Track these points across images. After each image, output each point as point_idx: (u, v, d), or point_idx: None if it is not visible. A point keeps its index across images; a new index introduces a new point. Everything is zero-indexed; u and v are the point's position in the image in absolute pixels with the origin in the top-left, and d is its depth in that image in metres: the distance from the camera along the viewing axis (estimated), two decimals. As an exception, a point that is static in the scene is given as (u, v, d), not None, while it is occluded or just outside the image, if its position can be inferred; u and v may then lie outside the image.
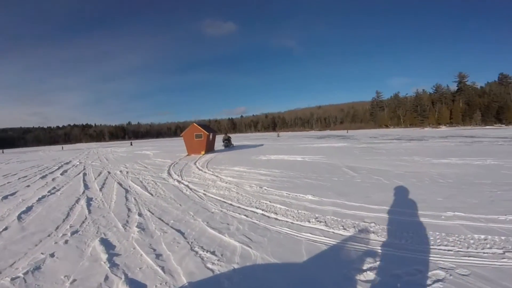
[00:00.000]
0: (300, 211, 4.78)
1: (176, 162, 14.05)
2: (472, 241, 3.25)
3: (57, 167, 14.35)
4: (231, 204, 5.50)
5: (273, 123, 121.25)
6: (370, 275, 2.68)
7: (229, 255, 3.25)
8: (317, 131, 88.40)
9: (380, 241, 3.39)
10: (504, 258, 2.84)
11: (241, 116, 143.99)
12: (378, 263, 2.88)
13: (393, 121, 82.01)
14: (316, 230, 3.85)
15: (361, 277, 2.67)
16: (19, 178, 10.54)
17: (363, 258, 3.01)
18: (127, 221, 4.67)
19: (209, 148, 20.38)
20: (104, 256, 3.32)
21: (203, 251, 3.36)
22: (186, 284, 2.69)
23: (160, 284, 2.71)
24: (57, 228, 4.44)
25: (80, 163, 16.39)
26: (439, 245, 3.19)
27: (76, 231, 4.25)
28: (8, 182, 9.56)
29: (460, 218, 3.98)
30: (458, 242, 3.24)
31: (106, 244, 3.72)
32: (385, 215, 4.25)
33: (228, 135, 26.58)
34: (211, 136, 20.63)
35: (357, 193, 5.69)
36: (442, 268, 2.74)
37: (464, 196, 5.11)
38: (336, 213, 4.52)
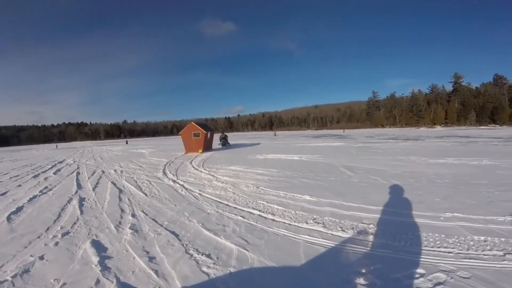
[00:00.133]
0: (297, 212, 4.70)
1: (171, 161, 13.90)
2: (472, 243, 3.21)
3: (50, 166, 14.10)
4: (227, 205, 5.41)
5: (270, 122, 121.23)
6: (370, 279, 2.62)
7: (225, 258, 3.16)
8: (314, 130, 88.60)
9: (379, 243, 3.33)
10: (505, 260, 2.80)
11: (238, 115, 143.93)
12: (377, 266, 2.82)
13: (389, 121, 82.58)
14: (314, 232, 3.78)
15: (360, 280, 2.60)
16: (10, 178, 10.31)
17: (362, 260, 2.94)
18: (120, 222, 4.55)
19: (207, 146, 20.55)
20: (95, 259, 3.21)
21: (198, 254, 3.26)
22: (180, 288, 2.59)
23: (153, 288, 2.61)
24: (47, 229, 4.31)
25: (74, 162, 16.14)
26: (439, 247, 3.14)
27: (67, 233, 4.12)
28: (-1, 182, 9.33)
29: (459, 219, 3.95)
30: (458, 244, 3.20)
31: (98, 246, 3.60)
32: (384, 216, 4.20)
33: (225, 133, 26.81)
34: (208, 135, 20.83)
35: (355, 194, 5.64)
36: (442, 270, 2.69)
37: (461, 196, 5.09)
38: (334, 214, 4.46)
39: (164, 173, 9.89)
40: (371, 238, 3.47)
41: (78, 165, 14.06)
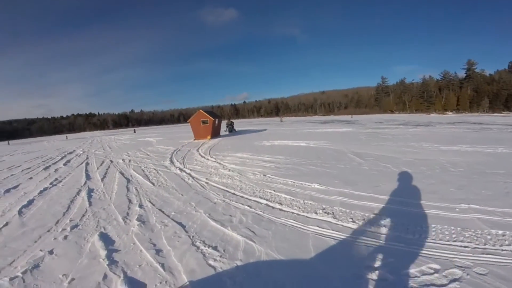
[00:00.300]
0: (306, 201, 4.60)
1: (179, 149, 13.93)
2: (489, 237, 3.06)
3: (60, 157, 14.34)
4: (234, 194, 5.35)
5: (276, 109, 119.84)
6: (382, 274, 2.52)
7: (231, 250, 3.11)
8: (321, 116, 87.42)
9: (391, 235, 3.21)
10: (525, 256, 2.65)
11: (244, 102, 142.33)
12: (390, 260, 2.71)
13: (399, 106, 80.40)
14: (323, 223, 3.69)
15: (372, 275, 2.51)
16: (22, 170, 10.51)
17: (374, 254, 2.84)
18: (128, 214, 4.56)
19: (215, 133, 21.09)
20: (103, 253, 3.21)
21: (205, 246, 3.22)
22: (187, 283, 2.56)
23: (160, 283, 2.59)
24: (57, 222, 4.35)
25: (83, 152, 16.37)
26: (455, 241, 3.01)
27: (76, 226, 4.15)
28: (11, 175, 9.52)
29: (475, 211, 3.77)
30: (475, 238, 3.05)
31: (106, 239, 3.60)
32: (396, 207, 4.05)
33: (231, 120, 27.03)
34: (216, 122, 21.35)
35: (365, 182, 5.49)
36: (458, 266, 2.57)
37: (477, 187, 4.87)
38: (344, 204, 4.34)
39: (171, 161, 9.90)
40: (383, 230, 3.35)
41: (87, 155, 14.26)
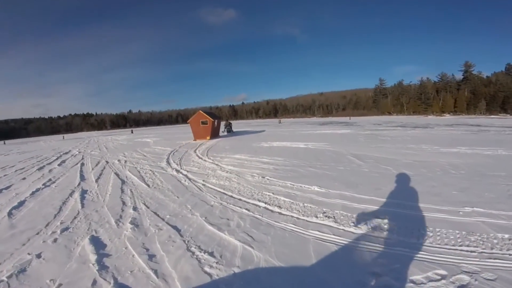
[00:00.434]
0: (306, 204, 4.47)
1: (176, 149, 13.75)
2: (495, 241, 2.95)
3: (55, 158, 14.11)
4: (231, 196, 5.21)
5: (275, 110, 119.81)
6: (386, 280, 2.40)
7: (229, 256, 2.97)
8: (319, 117, 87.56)
9: (395, 240, 3.08)
10: (535, 261, 2.55)
11: (242, 103, 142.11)
12: (395, 266, 2.59)
13: (396, 108, 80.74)
14: (324, 227, 3.56)
15: (376, 282, 2.39)
16: (16, 170, 10.28)
17: (378, 260, 2.71)
18: (121, 216, 4.40)
19: (214, 133, 21.17)
20: (93, 257, 3.06)
21: (201, 252, 3.08)
22: (181, 291, 2.42)
23: (152, 291, 2.44)
24: (47, 225, 4.18)
25: (79, 152, 16.14)
26: (461, 245, 2.89)
27: (67, 228, 3.99)
28: (4, 175, 9.31)
29: (480, 214, 3.67)
30: (481, 242, 2.94)
31: (97, 243, 3.45)
32: (399, 210, 3.93)
33: (229, 121, 27.17)
34: (215, 123, 21.47)
35: (366, 184, 5.37)
36: (466, 272, 2.46)
37: (479, 189, 4.77)
38: (345, 207, 4.21)
39: (168, 162, 9.74)
40: (386, 234, 3.23)
41: (83, 155, 14.04)
